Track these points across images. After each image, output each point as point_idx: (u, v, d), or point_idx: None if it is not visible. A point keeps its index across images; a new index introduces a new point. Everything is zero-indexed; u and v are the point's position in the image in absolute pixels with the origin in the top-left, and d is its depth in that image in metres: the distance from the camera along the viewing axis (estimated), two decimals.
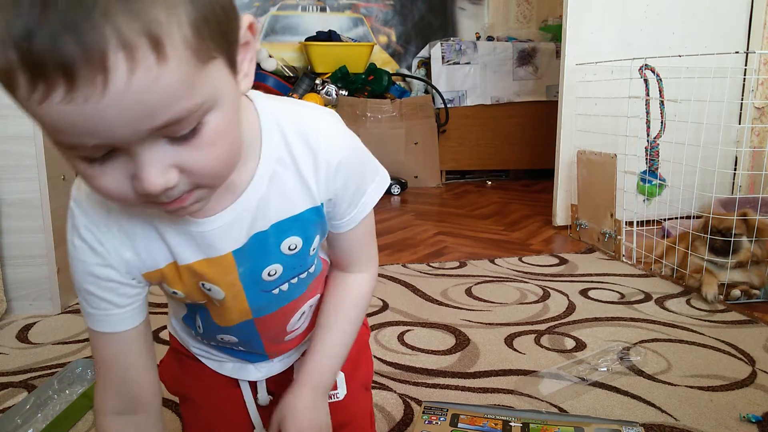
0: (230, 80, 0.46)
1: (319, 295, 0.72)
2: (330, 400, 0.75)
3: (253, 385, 0.76)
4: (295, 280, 0.65)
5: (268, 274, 0.62)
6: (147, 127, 0.40)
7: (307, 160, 0.58)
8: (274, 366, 0.75)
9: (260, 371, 0.75)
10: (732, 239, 1.58)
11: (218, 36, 0.43)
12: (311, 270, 0.67)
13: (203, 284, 0.60)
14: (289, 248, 0.62)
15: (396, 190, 3.19)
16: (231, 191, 0.56)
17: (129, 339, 0.61)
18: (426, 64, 3.59)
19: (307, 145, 0.57)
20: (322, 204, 0.60)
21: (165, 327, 1.29)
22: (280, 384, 0.74)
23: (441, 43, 3.45)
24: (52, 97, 0.36)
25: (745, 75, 2.35)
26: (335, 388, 0.77)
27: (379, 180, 0.65)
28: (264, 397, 0.77)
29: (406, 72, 3.75)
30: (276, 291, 0.64)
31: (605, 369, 1.18)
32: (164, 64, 0.38)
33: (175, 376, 0.77)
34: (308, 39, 3.50)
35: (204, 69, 0.41)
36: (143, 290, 0.62)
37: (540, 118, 3.44)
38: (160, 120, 0.40)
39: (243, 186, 0.56)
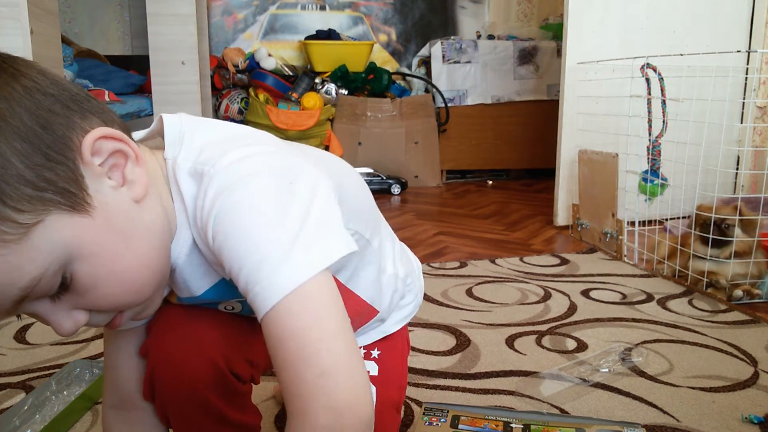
0: (84, 220, 0.40)
1: None
2: None
3: None
4: None
5: (225, 308, 0.60)
6: None
7: (198, 237, 0.49)
8: None
9: None
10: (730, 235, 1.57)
11: (36, 198, 0.38)
12: None
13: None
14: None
15: (396, 189, 3.18)
16: None
17: (119, 337, 0.61)
18: (426, 62, 3.58)
19: (200, 219, 0.47)
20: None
21: None
22: None
23: (441, 42, 3.45)
24: None
25: (747, 74, 2.34)
26: None
27: (301, 251, 0.44)
28: None
29: (406, 71, 3.74)
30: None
31: (607, 370, 1.17)
32: None
33: None
34: (308, 38, 3.49)
35: (26, 241, 0.37)
36: None
37: (541, 117, 3.43)
38: (2, 308, 0.37)
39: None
